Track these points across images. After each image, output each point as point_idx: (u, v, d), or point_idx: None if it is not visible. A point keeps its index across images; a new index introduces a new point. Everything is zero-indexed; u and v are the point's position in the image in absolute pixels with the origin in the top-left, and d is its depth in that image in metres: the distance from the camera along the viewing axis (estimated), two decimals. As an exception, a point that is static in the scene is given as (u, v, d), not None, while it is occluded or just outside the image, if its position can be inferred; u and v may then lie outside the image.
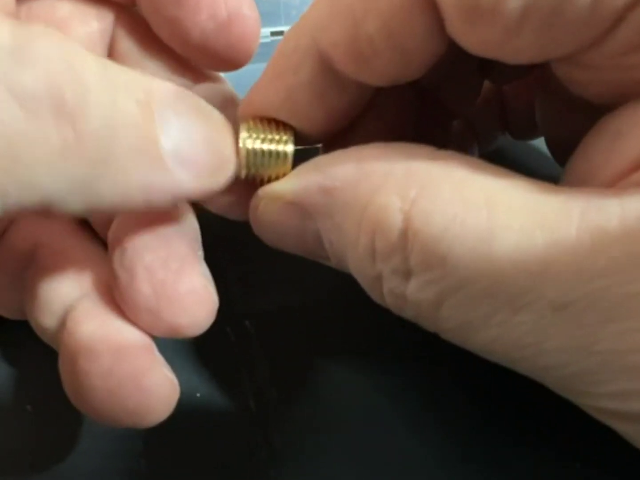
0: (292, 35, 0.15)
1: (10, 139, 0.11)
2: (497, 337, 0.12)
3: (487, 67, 0.20)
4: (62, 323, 0.16)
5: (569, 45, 0.12)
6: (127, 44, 0.19)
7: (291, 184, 0.15)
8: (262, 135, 0.16)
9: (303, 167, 0.15)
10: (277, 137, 0.16)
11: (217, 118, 0.15)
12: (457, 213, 0.12)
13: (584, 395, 0.12)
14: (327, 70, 0.14)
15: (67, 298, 0.16)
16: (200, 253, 0.16)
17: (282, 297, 0.22)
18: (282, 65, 0.15)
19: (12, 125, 0.11)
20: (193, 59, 0.19)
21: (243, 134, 0.15)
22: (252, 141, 0.15)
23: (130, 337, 0.15)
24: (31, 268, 0.17)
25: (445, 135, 0.22)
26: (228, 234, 0.22)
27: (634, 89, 0.12)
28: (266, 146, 0.16)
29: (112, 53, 0.19)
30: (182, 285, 0.15)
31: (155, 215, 0.16)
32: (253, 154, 0.15)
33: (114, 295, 0.16)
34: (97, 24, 0.18)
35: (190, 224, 0.17)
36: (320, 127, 0.16)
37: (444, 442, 0.18)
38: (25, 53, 0.11)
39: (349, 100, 0.15)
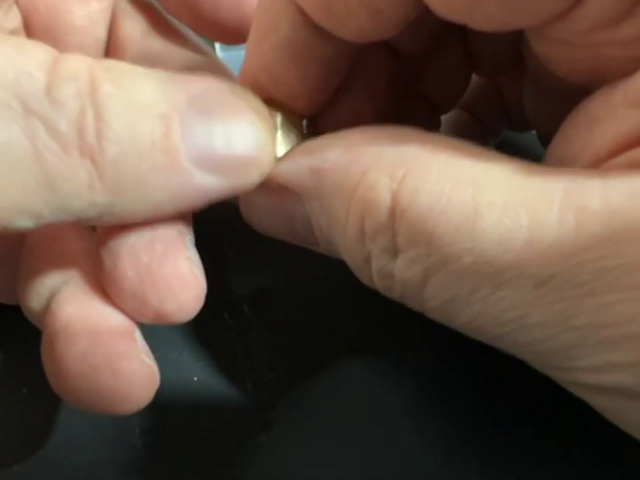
0: None
1: (49, 173, 0.12)
2: (480, 313, 0.12)
3: (472, 57, 0.20)
4: (48, 306, 0.15)
5: (536, 12, 0.12)
6: (128, 23, 0.19)
7: (281, 167, 0.15)
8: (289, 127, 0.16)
9: (293, 151, 0.15)
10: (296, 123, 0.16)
11: (249, 107, 0.14)
12: (443, 191, 0.12)
13: (563, 370, 0.12)
14: (307, 23, 0.14)
15: (55, 281, 0.16)
16: (190, 237, 0.16)
17: (279, 281, 0.22)
18: (263, 25, 0.15)
19: (51, 161, 0.12)
20: (202, 32, 0.19)
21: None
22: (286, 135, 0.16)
23: (111, 321, 0.15)
24: (22, 250, 0.17)
25: (431, 127, 0.22)
26: (226, 219, 0.22)
27: (606, 69, 0.12)
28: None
29: (114, 32, 0.19)
30: (167, 268, 0.15)
31: None
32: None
33: (101, 281, 0.15)
34: (97, 4, 0.18)
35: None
36: (307, 89, 0.16)
37: (442, 426, 0.18)
38: (59, 94, 0.12)
39: (332, 55, 0.15)
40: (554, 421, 0.18)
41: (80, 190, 0.12)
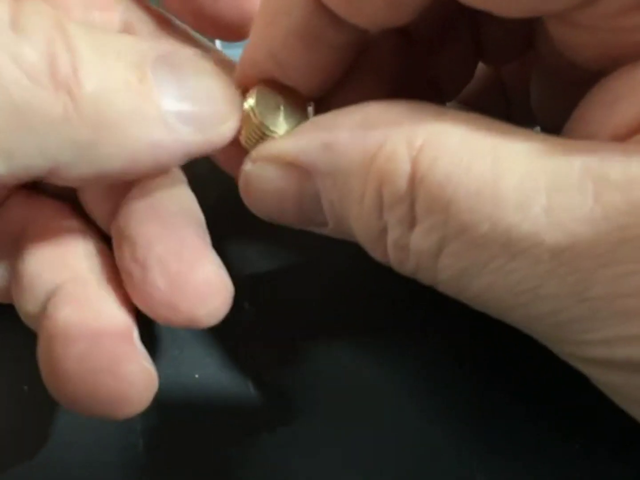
0: None
1: (18, 105, 0.12)
2: (492, 284, 0.12)
3: (480, 44, 0.20)
4: (45, 308, 0.15)
5: None
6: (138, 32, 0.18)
7: (291, 143, 0.15)
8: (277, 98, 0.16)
9: (302, 127, 0.15)
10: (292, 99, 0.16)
11: (215, 69, 0.15)
12: (462, 159, 0.12)
13: (573, 345, 0.12)
14: (320, 10, 0.14)
15: (51, 283, 0.16)
16: (208, 240, 0.16)
17: (280, 279, 0.22)
18: (272, 10, 0.15)
19: (19, 93, 0.12)
20: (202, 29, 0.19)
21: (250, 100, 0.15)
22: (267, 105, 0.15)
23: (109, 323, 0.15)
24: (18, 252, 0.17)
25: None
26: (226, 218, 0.22)
27: (628, 52, 0.12)
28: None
29: None
30: (197, 275, 0.15)
31: (159, 206, 0.16)
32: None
33: (127, 290, 0.15)
34: (99, 13, 0.18)
35: (195, 212, 0.17)
36: (315, 74, 0.16)
37: (448, 416, 0.18)
38: (23, 26, 0.12)
39: (344, 42, 0.15)
40: (561, 406, 0.18)
41: (54, 123, 0.12)
